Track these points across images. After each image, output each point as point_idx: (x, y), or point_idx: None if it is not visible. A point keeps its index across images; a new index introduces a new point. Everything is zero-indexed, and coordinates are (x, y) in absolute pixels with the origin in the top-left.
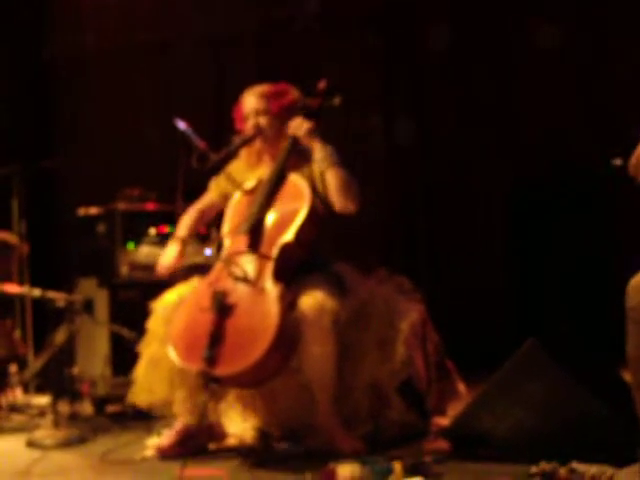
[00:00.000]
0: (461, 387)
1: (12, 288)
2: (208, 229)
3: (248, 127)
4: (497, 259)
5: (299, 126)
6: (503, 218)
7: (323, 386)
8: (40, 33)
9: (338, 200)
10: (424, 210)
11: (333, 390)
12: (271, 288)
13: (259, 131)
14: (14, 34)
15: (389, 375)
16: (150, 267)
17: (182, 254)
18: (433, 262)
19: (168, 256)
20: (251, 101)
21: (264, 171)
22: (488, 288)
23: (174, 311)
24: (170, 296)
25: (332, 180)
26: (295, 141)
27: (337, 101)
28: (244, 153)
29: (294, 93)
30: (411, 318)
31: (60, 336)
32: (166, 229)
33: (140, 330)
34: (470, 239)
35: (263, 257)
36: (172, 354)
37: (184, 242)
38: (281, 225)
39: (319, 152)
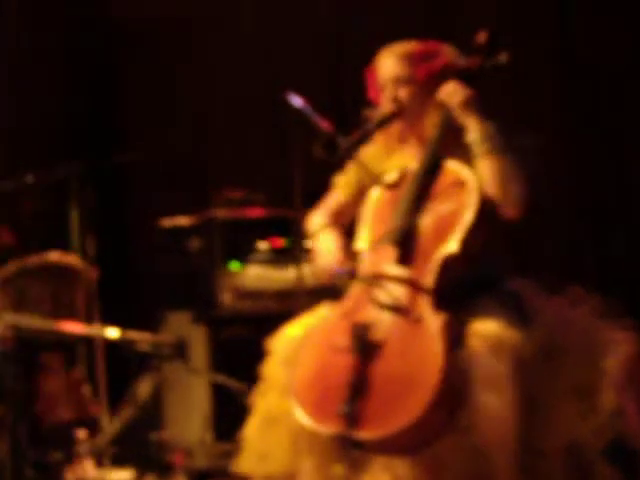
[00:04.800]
0: None
1: (78, 328)
2: None
3: (385, 100)
4: None
5: (453, 93)
6: None
7: (503, 449)
8: None
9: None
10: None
11: (516, 455)
12: (431, 318)
13: (399, 106)
14: None
15: (592, 433)
16: (262, 294)
17: (342, 245)
18: None
19: (329, 248)
20: (389, 65)
21: (409, 157)
22: None
23: (298, 351)
24: (292, 331)
25: (486, 172)
26: (450, 116)
27: (503, 58)
28: (380, 135)
29: (448, 54)
30: (620, 353)
31: (144, 390)
32: (281, 242)
33: (251, 380)
34: None
35: (417, 278)
36: (297, 410)
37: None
38: (441, 231)
39: (474, 131)
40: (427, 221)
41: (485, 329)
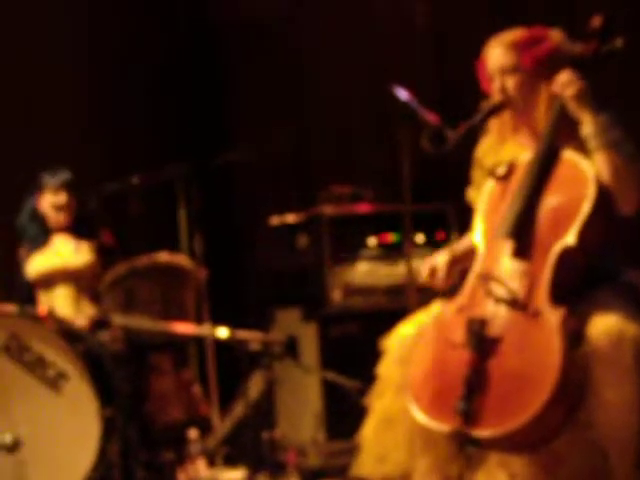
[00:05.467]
0: None
1: (188, 328)
2: (448, 233)
3: (493, 91)
4: None
5: (567, 85)
6: None
7: (622, 445)
8: None
9: None
10: None
11: (636, 450)
12: (549, 313)
13: (506, 97)
14: None
15: None
16: (372, 290)
17: (452, 267)
18: None
19: (435, 260)
20: (496, 55)
21: (521, 146)
22: None
23: (412, 350)
24: (405, 330)
25: (602, 167)
26: (564, 106)
27: (619, 43)
28: (494, 125)
29: (554, 38)
30: None
31: (255, 390)
32: (391, 238)
33: (364, 377)
34: None
35: (535, 271)
36: (412, 407)
37: (456, 257)
38: (557, 223)
39: (588, 125)
40: (544, 212)
41: (606, 323)
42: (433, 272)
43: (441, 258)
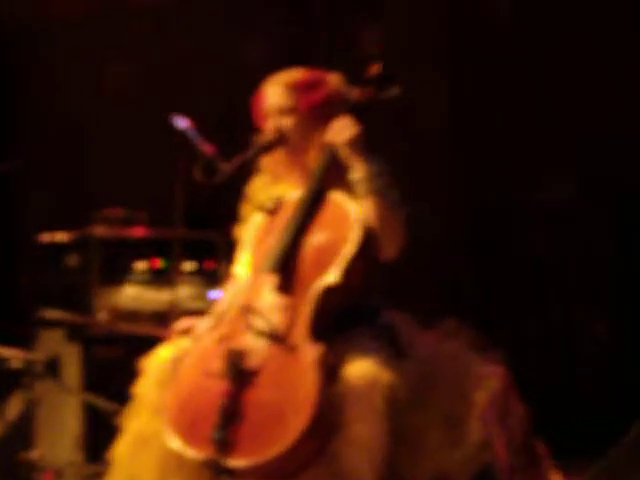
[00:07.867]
0: (556, 478)
1: None
2: (217, 262)
3: (267, 128)
4: (605, 302)
5: (341, 130)
6: (614, 243)
7: (368, 477)
8: None
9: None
10: (502, 232)
11: None
12: (307, 348)
13: (280, 136)
14: None
15: (460, 464)
16: (138, 314)
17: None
18: (515, 308)
19: (197, 324)
20: (273, 94)
21: (293, 186)
22: (590, 343)
23: (171, 373)
24: (166, 352)
25: (369, 211)
26: (335, 151)
27: (395, 91)
28: (268, 164)
29: (333, 84)
30: (489, 386)
31: (13, 409)
32: (159, 263)
33: (126, 400)
34: (569, 274)
35: (296, 306)
36: (167, 432)
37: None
38: (320, 261)
39: (358, 171)
40: (308, 250)
41: (362, 367)
42: (188, 332)
43: (204, 324)
